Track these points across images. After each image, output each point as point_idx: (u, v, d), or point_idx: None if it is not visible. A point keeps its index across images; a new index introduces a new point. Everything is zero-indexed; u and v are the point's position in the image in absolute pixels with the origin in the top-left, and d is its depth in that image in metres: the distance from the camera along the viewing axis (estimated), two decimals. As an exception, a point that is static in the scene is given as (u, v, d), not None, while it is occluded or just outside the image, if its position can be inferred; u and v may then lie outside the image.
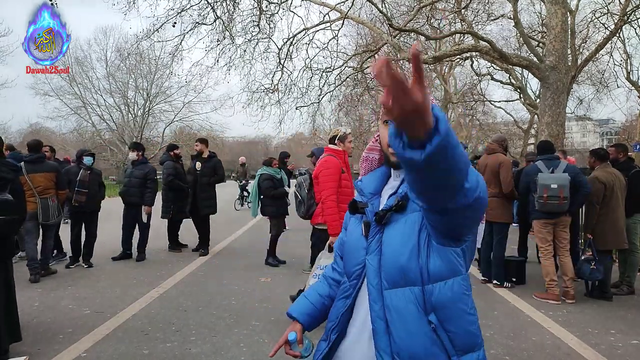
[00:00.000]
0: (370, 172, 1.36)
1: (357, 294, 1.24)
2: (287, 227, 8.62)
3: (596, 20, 14.20)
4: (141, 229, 6.81)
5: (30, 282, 5.27)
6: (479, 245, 3.20)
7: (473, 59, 17.96)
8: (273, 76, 14.12)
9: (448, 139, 0.78)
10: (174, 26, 11.66)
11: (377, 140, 1.34)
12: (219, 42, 12.61)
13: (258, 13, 12.22)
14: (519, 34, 13.14)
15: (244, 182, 14.82)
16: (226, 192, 13.45)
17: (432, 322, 1.10)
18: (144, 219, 6.73)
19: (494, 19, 16.25)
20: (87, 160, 6.34)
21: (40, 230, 5.55)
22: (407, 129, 0.77)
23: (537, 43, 14.72)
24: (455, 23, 14.66)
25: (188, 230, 8.33)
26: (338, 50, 15.66)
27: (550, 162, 4.84)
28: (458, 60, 17.05)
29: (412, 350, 1.10)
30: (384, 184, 1.31)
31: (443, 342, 1.10)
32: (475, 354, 1.14)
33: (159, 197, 7.12)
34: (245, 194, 14.39)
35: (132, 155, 6.93)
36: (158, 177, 7.40)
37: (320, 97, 15.10)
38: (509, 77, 19.51)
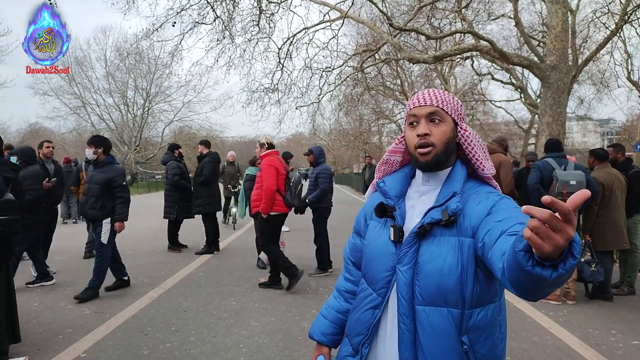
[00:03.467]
0: (392, 175, 1.32)
1: (386, 303, 1.19)
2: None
3: (597, 19, 14.17)
4: (98, 255, 4.81)
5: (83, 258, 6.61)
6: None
7: (473, 58, 17.95)
8: (273, 76, 14.12)
9: (578, 259, 0.76)
10: (173, 26, 11.66)
11: (401, 142, 1.30)
12: (218, 42, 12.61)
13: (258, 12, 12.21)
14: (519, 34, 13.14)
15: (233, 187, 10.35)
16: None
17: (465, 343, 1.11)
18: (103, 238, 4.71)
19: (495, 19, 16.26)
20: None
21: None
22: (544, 253, 0.73)
23: (537, 43, 14.70)
24: (455, 22, 14.65)
25: (188, 231, 8.33)
26: (338, 50, 15.73)
27: (561, 159, 4.79)
28: (458, 59, 17.03)
29: None
30: (408, 186, 1.28)
31: None
32: None
33: (159, 197, 7.11)
34: (232, 203, 10.55)
35: (89, 153, 4.83)
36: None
37: (320, 96, 15.10)
38: (510, 77, 19.52)
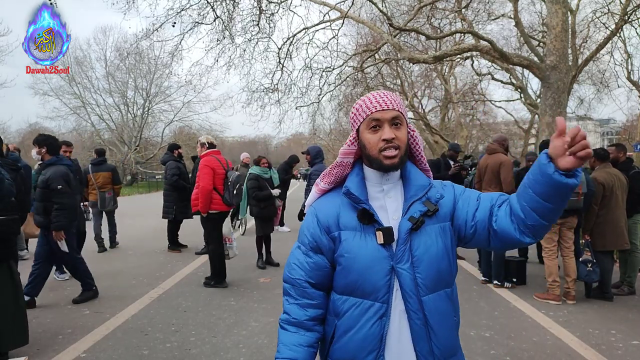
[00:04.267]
0: (348, 178, 1.29)
1: (391, 309, 1.19)
2: (280, 228, 8.56)
3: (597, 19, 14.17)
4: (68, 268, 4.78)
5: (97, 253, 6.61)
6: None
7: (473, 58, 17.95)
8: (273, 76, 14.12)
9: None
10: (173, 26, 11.66)
11: (353, 143, 1.28)
12: (218, 42, 12.61)
13: (258, 12, 12.21)
14: (519, 34, 13.13)
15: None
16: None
17: (455, 314, 1.26)
18: (62, 247, 4.40)
19: (495, 19, 16.25)
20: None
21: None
22: (571, 167, 1.03)
23: (537, 43, 14.69)
24: (455, 22, 14.64)
25: (188, 231, 8.33)
26: (338, 50, 15.66)
27: None
28: (458, 59, 17.03)
29: (448, 346, 1.22)
30: (366, 189, 1.27)
31: (457, 331, 1.28)
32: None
33: (159, 197, 7.11)
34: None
35: (33, 153, 4.50)
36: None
37: (320, 96, 15.10)
38: (510, 77, 19.50)
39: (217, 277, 5.30)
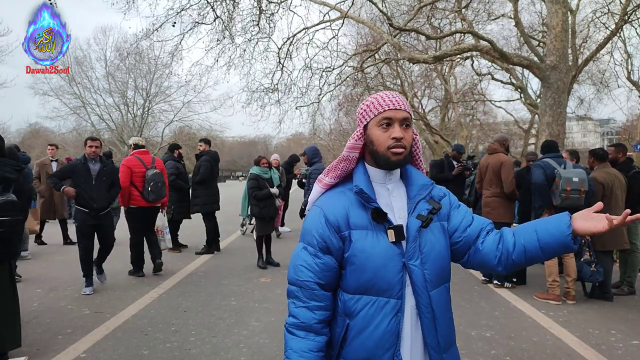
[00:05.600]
0: (356, 177, 1.29)
1: (405, 304, 1.22)
2: (281, 228, 8.54)
3: (597, 19, 14.17)
4: None
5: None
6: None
7: (473, 58, 17.94)
8: (273, 76, 14.11)
9: None
10: (173, 26, 11.65)
11: (360, 138, 1.29)
12: (218, 42, 12.60)
13: (258, 12, 12.20)
14: (519, 34, 13.13)
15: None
16: (227, 191, 13.43)
17: (450, 309, 1.33)
18: None
19: (495, 19, 16.25)
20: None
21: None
22: (583, 234, 1.22)
23: (537, 43, 14.69)
24: (455, 22, 14.64)
25: (188, 231, 8.33)
26: (338, 50, 15.66)
27: (559, 160, 4.82)
28: (458, 59, 17.03)
29: (448, 337, 1.28)
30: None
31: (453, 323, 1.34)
32: None
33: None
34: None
35: None
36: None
37: (320, 96, 15.11)
38: (510, 77, 19.50)
39: (135, 267, 5.85)
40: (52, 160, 7.94)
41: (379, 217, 1.22)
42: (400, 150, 1.24)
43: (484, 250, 1.32)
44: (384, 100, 1.26)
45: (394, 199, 1.29)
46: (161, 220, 6.31)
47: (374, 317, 1.20)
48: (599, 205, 1.23)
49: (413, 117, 1.34)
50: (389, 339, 1.20)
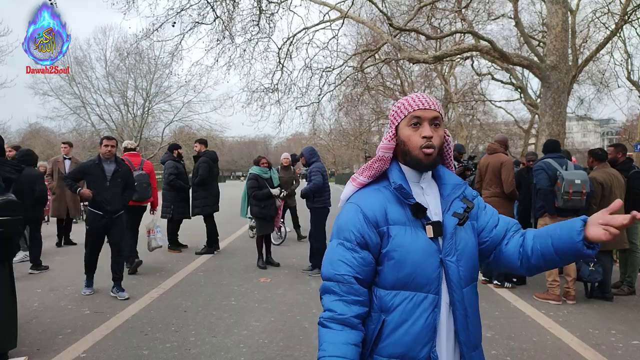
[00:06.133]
0: (393, 175, 1.31)
1: (441, 300, 1.24)
2: (279, 228, 8.50)
3: (597, 19, 14.17)
4: None
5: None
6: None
7: (473, 58, 17.93)
8: (273, 76, 14.10)
9: None
10: (173, 26, 11.65)
11: (393, 139, 1.32)
12: (218, 42, 12.59)
13: (258, 12, 12.20)
14: (519, 34, 13.13)
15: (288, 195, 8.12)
16: (227, 191, 13.43)
17: (478, 308, 1.33)
18: None
19: (495, 19, 16.25)
20: None
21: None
22: (595, 243, 1.18)
23: (537, 43, 14.70)
24: (455, 22, 14.64)
25: (188, 231, 8.33)
26: (338, 50, 15.68)
27: (561, 160, 4.80)
28: (458, 59, 17.01)
29: (477, 334, 1.29)
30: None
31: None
32: None
33: (159, 197, 7.10)
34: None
35: None
36: None
37: (320, 96, 15.08)
38: (510, 77, 19.50)
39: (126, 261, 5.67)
40: (65, 158, 7.93)
41: (419, 212, 1.24)
42: (430, 150, 1.26)
43: (507, 252, 1.34)
44: (414, 101, 1.29)
45: (427, 198, 1.31)
46: (150, 221, 6.45)
47: (412, 312, 1.21)
48: (617, 204, 1.19)
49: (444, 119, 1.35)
50: (427, 334, 1.20)
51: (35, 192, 5.66)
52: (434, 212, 1.29)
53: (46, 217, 8.80)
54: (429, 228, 1.23)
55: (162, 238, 6.65)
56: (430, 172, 1.34)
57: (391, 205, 1.27)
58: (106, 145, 4.81)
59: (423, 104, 1.27)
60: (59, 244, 7.88)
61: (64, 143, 8.42)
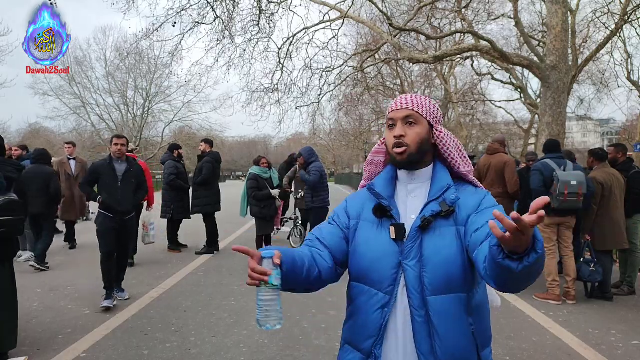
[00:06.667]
0: (377, 176, 1.39)
1: (395, 301, 1.22)
2: (279, 228, 8.50)
3: (597, 19, 14.17)
4: None
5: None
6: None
7: (473, 58, 17.92)
8: (273, 76, 14.11)
9: (543, 255, 0.91)
10: (173, 26, 11.66)
11: (383, 143, 1.38)
12: (218, 42, 12.60)
13: (258, 12, 12.20)
14: (519, 34, 13.13)
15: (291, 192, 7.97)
16: (227, 191, 13.42)
17: (472, 323, 1.20)
18: None
19: (495, 19, 16.25)
20: None
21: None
22: (511, 248, 0.91)
23: (537, 43, 14.68)
24: (455, 22, 14.64)
25: (188, 231, 8.33)
26: (338, 50, 15.68)
27: (560, 160, 4.80)
28: (458, 59, 17.01)
29: (454, 351, 1.18)
30: (394, 187, 1.35)
31: (476, 340, 1.21)
32: (489, 347, 1.28)
33: (159, 197, 7.11)
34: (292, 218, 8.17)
35: None
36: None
37: (320, 96, 15.09)
38: (510, 77, 19.49)
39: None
40: (70, 159, 7.87)
41: (378, 212, 1.28)
42: (401, 149, 1.26)
43: (476, 259, 1.13)
44: (391, 104, 1.32)
45: (412, 199, 1.30)
46: (146, 216, 6.47)
47: (363, 305, 1.27)
48: (540, 201, 0.84)
49: (437, 116, 1.32)
50: (371, 328, 1.24)
51: (50, 190, 5.89)
52: (411, 216, 1.26)
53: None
54: (392, 229, 1.24)
55: (155, 235, 6.63)
56: (425, 173, 1.31)
57: (368, 204, 1.34)
58: (116, 144, 4.61)
59: (396, 105, 1.30)
60: (72, 247, 7.69)
61: (67, 143, 8.34)
